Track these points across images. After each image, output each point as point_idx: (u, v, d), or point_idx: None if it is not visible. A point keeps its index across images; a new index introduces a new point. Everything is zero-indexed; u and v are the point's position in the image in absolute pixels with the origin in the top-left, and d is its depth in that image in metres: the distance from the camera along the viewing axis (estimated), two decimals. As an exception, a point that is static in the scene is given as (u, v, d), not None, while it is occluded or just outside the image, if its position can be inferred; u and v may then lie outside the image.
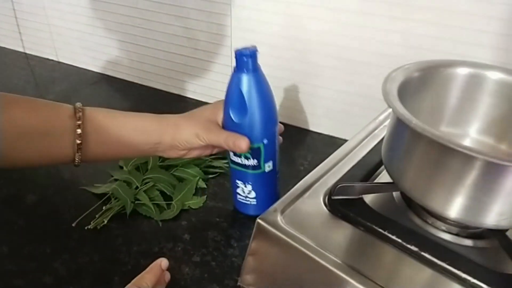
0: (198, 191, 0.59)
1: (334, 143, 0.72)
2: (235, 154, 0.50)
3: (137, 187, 0.57)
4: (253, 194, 0.53)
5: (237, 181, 0.52)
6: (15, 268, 0.48)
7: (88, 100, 0.83)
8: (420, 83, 0.41)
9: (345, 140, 0.72)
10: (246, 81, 0.45)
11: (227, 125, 0.49)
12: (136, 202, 0.55)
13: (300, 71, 0.69)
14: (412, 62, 0.42)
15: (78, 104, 0.47)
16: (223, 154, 0.63)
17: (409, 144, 0.37)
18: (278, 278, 0.40)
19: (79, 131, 0.45)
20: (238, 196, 0.54)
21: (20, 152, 0.43)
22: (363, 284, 0.34)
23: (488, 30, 0.53)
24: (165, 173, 0.60)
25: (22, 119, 0.43)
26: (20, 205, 0.57)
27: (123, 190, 0.56)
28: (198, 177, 0.60)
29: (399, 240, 0.37)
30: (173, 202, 0.56)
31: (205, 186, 0.60)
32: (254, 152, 0.49)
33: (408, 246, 0.36)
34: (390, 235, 0.37)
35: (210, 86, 0.81)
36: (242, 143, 0.47)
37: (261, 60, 0.46)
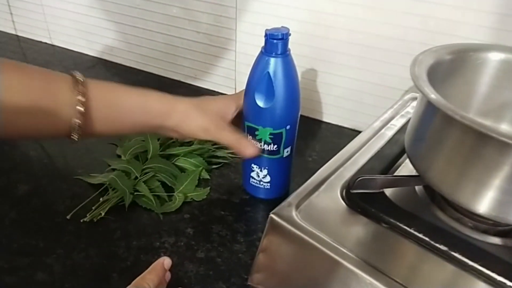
0: (201, 183, 0.56)
1: (343, 133, 0.68)
2: (254, 138, 0.48)
3: (136, 178, 0.53)
4: (267, 179, 0.51)
5: (253, 165, 0.50)
6: (6, 264, 0.44)
7: (84, 85, 0.79)
8: (450, 67, 0.38)
9: (355, 131, 0.69)
10: (275, 65, 0.43)
11: (250, 110, 0.46)
12: (135, 193, 0.52)
13: (309, 56, 0.65)
14: (440, 45, 0.39)
15: (78, 75, 0.41)
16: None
17: (440, 133, 0.33)
18: (292, 277, 0.37)
19: (80, 108, 0.40)
20: (251, 180, 0.52)
21: (16, 125, 0.39)
22: (387, 285, 0.31)
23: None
24: (166, 162, 0.56)
25: (20, 92, 0.38)
26: (11, 196, 0.53)
27: (121, 180, 0.52)
28: (201, 168, 0.56)
29: (427, 239, 0.34)
30: (174, 194, 0.53)
31: (208, 177, 0.56)
32: (275, 137, 0.47)
33: (437, 245, 0.33)
34: (416, 233, 0.34)
35: (212, 72, 0.77)
36: (252, 150, 0.47)
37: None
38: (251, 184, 0.53)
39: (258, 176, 0.51)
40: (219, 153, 0.60)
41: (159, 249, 0.46)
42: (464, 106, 0.40)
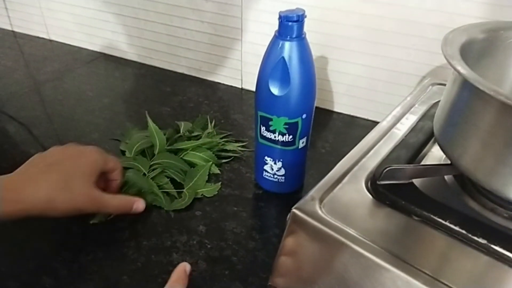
0: (211, 178, 0.53)
1: (356, 123, 0.66)
2: (267, 129, 0.45)
3: (144, 174, 0.51)
4: (282, 172, 0.48)
5: (266, 158, 0.48)
6: (7, 269, 0.41)
7: (84, 81, 0.77)
8: (483, 47, 0.35)
9: (368, 120, 0.66)
10: (291, 49, 0.40)
11: (264, 99, 0.43)
12: (142, 190, 0.49)
13: (319, 43, 0.62)
14: (470, 24, 0.36)
15: None
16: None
17: (476, 115, 0.31)
18: (318, 276, 0.34)
19: None
20: (265, 173, 0.49)
21: None
22: (425, 283, 0.28)
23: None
24: (175, 158, 0.53)
25: None
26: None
27: (138, 178, 0.50)
28: (211, 162, 0.54)
29: (463, 232, 0.31)
30: (184, 190, 0.50)
31: (218, 171, 0.54)
32: (291, 127, 0.44)
33: (475, 238, 0.31)
34: (452, 226, 0.31)
35: (218, 63, 0.74)
36: (140, 205, 0.45)
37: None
38: (264, 177, 0.50)
39: (272, 169, 0.49)
40: (229, 146, 0.58)
41: (170, 249, 0.44)
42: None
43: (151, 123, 0.57)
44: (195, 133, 0.59)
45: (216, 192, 0.51)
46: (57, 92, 0.73)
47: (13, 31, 0.95)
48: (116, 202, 0.44)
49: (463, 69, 0.29)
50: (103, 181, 0.46)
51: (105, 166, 0.45)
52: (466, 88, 0.31)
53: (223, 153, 0.57)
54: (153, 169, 0.51)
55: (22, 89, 0.73)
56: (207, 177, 0.52)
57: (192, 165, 0.54)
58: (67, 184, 0.40)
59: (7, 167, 0.56)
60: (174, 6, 0.71)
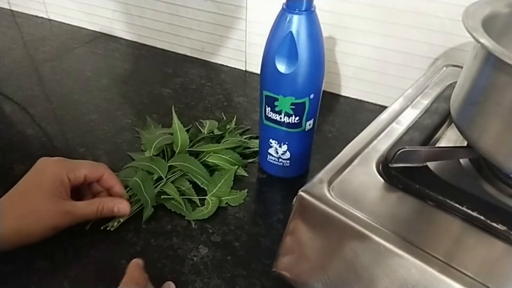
0: (235, 180, 0.48)
1: (364, 108, 0.63)
2: (273, 110, 0.43)
3: (158, 180, 0.46)
4: (287, 155, 0.46)
5: (271, 141, 0.46)
6: (2, 253, 0.40)
7: (83, 61, 0.74)
8: (508, 22, 0.33)
9: (376, 105, 0.64)
10: (299, 23, 0.37)
11: (269, 77, 0.41)
12: (162, 196, 0.45)
13: (327, 23, 0.59)
14: (493, -5, 0.34)
15: None
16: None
17: (500, 92, 0.28)
18: (325, 262, 0.32)
19: None
20: (269, 157, 0.47)
21: None
22: (441, 271, 0.26)
23: None
24: (194, 161, 0.48)
25: None
26: (6, 177, 0.49)
27: (145, 185, 0.45)
28: (236, 166, 0.49)
29: (482, 218, 0.29)
30: (207, 197, 0.45)
31: (246, 174, 0.49)
32: (297, 108, 0.41)
33: (493, 224, 0.29)
34: (470, 212, 0.30)
35: (221, 43, 0.72)
36: (122, 207, 0.41)
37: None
38: (269, 161, 0.48)
39: (277, 153, 0.47)
40: (251, 144, 0.53)
41: (171, 233, 0.42)
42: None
43: (176, 120, 0.51)
44: (218, 133, 0.53)
45: (242, 201, 0.46)
46: (55, 72, 0.71)
47: (11, 10, 0.93)
48: (93, 208, 0.40)
49: (487, 41, 0.27)
50: (91, 192, 0.44)
51: (71, 175, 0.41)
52: (489, 62, 0.29)
53: (246, 151, 0.52)
54: (173, 172, 0.47)
55: (20, 69, 0.71)
56: (232, 182, 0.47)
57: (216, 168, 0.49)
58: (30, 207, 0.38)
59: (2, 146, 0.55)
60: (176, -17, 0.68)
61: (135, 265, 0.35)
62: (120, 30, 0.81)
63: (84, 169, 0.42)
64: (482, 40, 0.27)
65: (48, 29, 0.86)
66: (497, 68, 0.28)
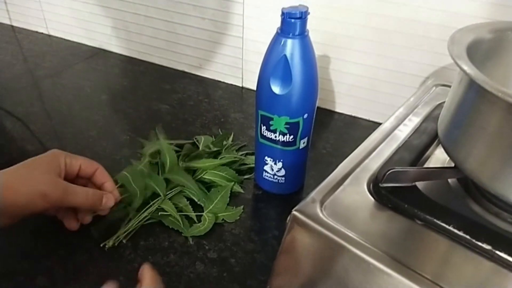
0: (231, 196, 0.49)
1: (358, 124, 0.65)
2: (268, 129, 0.44)
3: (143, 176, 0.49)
4: (282, 172, 0.47)
5: (266, 158, 0.47)
6: (3, 269, 0.41)
7: (82, 76, 0.76)
8: (491, 47, 0.35)
9: (369, 121, 0.65)
10: (293, 47, 0.39)
11: (264, 98, 0.43)
12: (160, 213, 0.46)
13: (322, 42, 0.61)
14: (477, 23, 0.35)
15: None
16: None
17: (482, 117, 0.30)
18: (318, 280, 0.33)
19: None
20: (265, 174, 0.49)
21: None
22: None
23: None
24: (188, 177, 0.49)
25: None
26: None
27: (135, 180, 0.48)
28: (232, 183, 0.50)
29: (468, 237, 0.30)
30: (204, 214, 0.46)
31: (242, 190, 0.50)
32: (292, 127, 0.43)
33: (479, 243, 0.30)
34: (456, 231, 0.31)
35: (218, 61, 0.73)
36: (109, 200, 0.43)
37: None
38: (264, 178, 0.49)
39: (272, 170, 0.48)
40: (248, 160, 0.54)
41: (168, 250, 0.43)
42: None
43: (162, 140, 0.53)
44: (215, 149, 0.54)
45: (238, 217, 0.47)
46: (55, 87, 0.72)
47: (12, 26, 0.94)
48: (83, 191, 0.41)
49: (470, 69, 0.29)
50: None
51: (68, 160, 0.42)
52: (473, 88, 0.30)
53: (242, 167, 0.53)
54: (171, 189, 0.48)
55: (20, 84, 0.73)
56: (228, 199, 0.48)
57: (212, 185, 0.50)
58: (25, 170, 0.39)
59: (2, 163, 0.56)
60: (174, 2, 0.70)
61: (149, 268, 0.35)
62: (119, 46, 0.83)
63: (81, 159, 0.44)
64: (465, 68, 0.29)
65: (48, 45, 0.87)
66: (480, 94, 0.30)
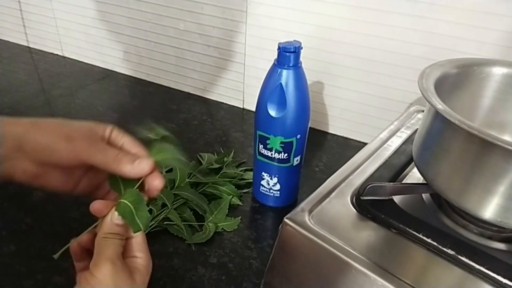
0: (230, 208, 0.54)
1: (349, 145, 0.70)
2: (265, 147, 0.49)
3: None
4: (277, 187, 0.52)
5: (263, 174, 0.52)
6: (23, 267, 0.45)
7: (94, 96, 0.81)
8: (456, 81, 0.40)
9: (360, 142, 0.71)
10: (288, 77, 0.45)
11: (262, 119, 0.48)
12: (165, 222, 0.50)
13: (316, 70, 0.67)
14: (446, 59, 0.41)
15: None
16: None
17: (447, 142, 0.35)
18: (305, 279, 0.38)
19: None
20: (262, 188, 0.54)
21: None
22: (398, 287, 0.32)
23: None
24: (194, 192, 0.54)
25: None
26: (26, 202, 0.54)
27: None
28: (231, 196, 0.55)
29: (434, 243, 0.35)
30: (205, 223, 0.51)
31: (240, 203, 0.55)
32: (286, 146, 0.48)
33: (444, 249, 0.35)
34: (425, 238, 0.36)
35: (222, 84, 0.79)
36: (146, 164, 0.35)
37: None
38: (261, 192, 0.54)
39: (268, 184, 0.53)
40: (246, 175, 0.59)
41: (172, 254, 0.48)
42: (469, 118, 0.42)
43: (172, 151, 0.56)
44: (216, 165, 0.59)
45: (236, 227, 0.52)
46: (69, 106, 0.78)
47: (29, 47, 1.01)
48: (115, 152, 0.35)
49: (434, 101, 0.34)
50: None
51: (114, 134, 0.39)
52: (439, 117, 0.35)
53: (241, 182, 0.58)
54: (177, 200, 0.53)
55: (36, 103, 0.78)
56: (227, 210, 0.53)
57: (213, 197, 0.55)
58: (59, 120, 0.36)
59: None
60: (183, 31, 0.77)
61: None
62: (129, 69, 0.89)
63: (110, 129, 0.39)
64: (431, 100, 0.34)
65: (63, 66, 0.93)
66: (443, 122, 0.35)
